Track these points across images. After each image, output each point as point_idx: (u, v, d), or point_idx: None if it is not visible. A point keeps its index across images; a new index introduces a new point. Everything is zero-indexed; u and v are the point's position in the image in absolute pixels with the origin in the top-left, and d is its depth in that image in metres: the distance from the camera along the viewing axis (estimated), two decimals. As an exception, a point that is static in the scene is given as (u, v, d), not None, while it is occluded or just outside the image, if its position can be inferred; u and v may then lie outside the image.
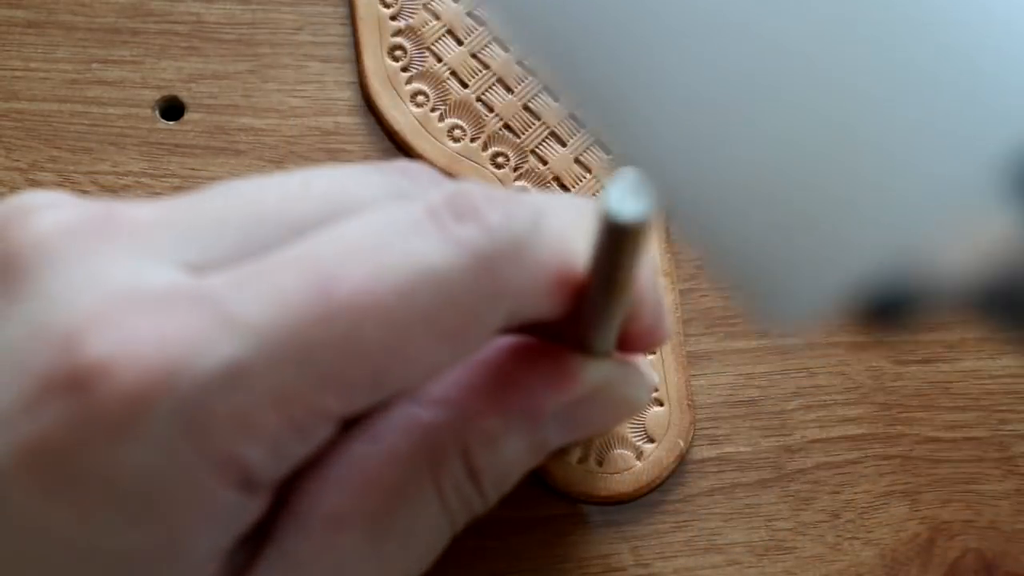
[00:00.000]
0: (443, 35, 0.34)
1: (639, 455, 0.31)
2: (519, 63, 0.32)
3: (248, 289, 0.19)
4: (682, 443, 0.31)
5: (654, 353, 0.32)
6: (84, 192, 0.32)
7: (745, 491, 0.31)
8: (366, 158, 0.33)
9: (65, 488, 0.19)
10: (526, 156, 0.33)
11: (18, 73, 0.33)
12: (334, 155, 0.33)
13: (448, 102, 0.34)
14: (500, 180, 0.33)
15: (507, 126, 0.33)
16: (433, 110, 0.34)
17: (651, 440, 0.31)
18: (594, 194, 0.33)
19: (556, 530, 0.30)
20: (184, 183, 0.33)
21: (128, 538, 0.20)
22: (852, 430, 0.32)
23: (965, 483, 0.32)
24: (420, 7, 0.34)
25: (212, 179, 0.33)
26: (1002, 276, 0.13)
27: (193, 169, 0.33)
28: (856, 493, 0.31)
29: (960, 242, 0.13)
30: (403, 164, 0.24)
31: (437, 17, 0.34)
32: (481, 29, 0.34)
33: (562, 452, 0.30)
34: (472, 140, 0.33)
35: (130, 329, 0.19)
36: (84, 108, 0.33)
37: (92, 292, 0.19)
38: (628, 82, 0.14)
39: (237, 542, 0.21)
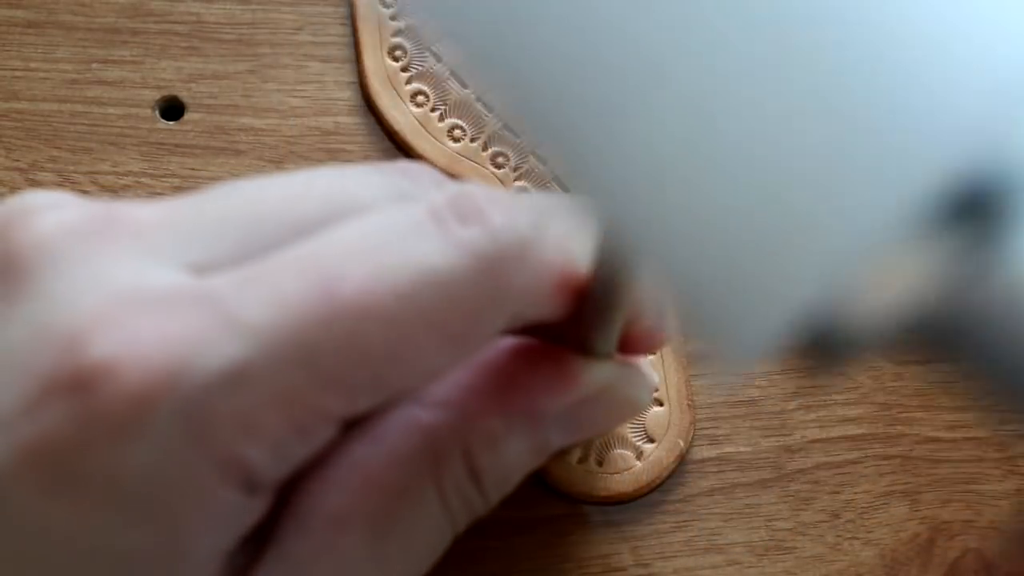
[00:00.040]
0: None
1: (639, 455, 0.31)
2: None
3: (250, 290, 0.19)
4: (682, 443, 0.31)
5: (654, 353, 0.32)
6: (84, 192, 0.32)
7: (745, 491, 0.31)
8: (366, 158, 0.33)
9: (67, 488, 0.19)
10: (526, 156, 0.33)
11: (18, 73, 0.33)
12: (334, 155, 0.33)
13: (448, 102, 0.34)
14: (500, 180, 0.33)
15: (507, 126, 0.33)
16: (433, 110, 0.34)
17: (651, 440, 0.31)
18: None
19: (556, 530, 0.30)
20: (184, 183, 0.33)
21: (130, 538, 0.20)
22: (852, 430, 0.32)
23: (965, 483, 0.32)
24: (420, 7, 0.34)
25: (212, 179, 0.33)
26: (931, 310, 0.13)
27: (193, 169, 0.33)
28: (856, 493, 0.31)
29: (888, 277, 0.13)
30: (404, 165, 0.24)
31: (437, 17, 0.34)
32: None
33: (562, 452, 0.30)
34: (472, 140, 0.33)
35: (133, 329, 0.19)
36: (84, 108, 0.33)
37: (95, 292, 0.19)
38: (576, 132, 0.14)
39: (238, 543, 0.21)
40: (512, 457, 0.23)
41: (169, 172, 0.33)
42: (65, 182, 0.32)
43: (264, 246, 0.20)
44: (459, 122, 0.33)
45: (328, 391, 0.20)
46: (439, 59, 0.34)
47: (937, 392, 0.33)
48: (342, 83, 0.34)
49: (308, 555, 0.21)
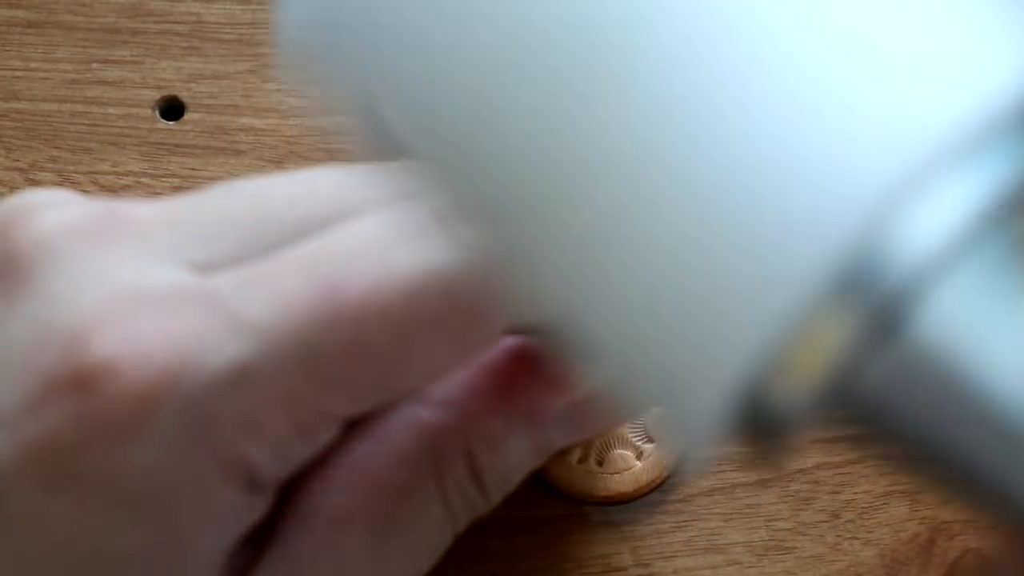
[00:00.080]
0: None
1: (639, 455, 0.31)
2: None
3: (253, 290, 0.19)
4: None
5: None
6: (84, 192, 0.32)
7: (745, 491, 0.31)
8: (367, 158, 0.33)
9: (69, 487, 0.19)
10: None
11: (18, 73, 0.33)
12: (335, 155, 0.33)
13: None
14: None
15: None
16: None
17: (651, 440, 0.31)
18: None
19: (556, 530, 0.30)
20: (184, 183, 0.33)
21: (131, 537, 0.20)
22: (852, 430, 0.32)
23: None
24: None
25: (212, 179, 0.33)
26: (847, 388, 0.13)
27: (193, 169, 0.33)
28: (856, 493, 0.31)
29: (799, 356, 0.13)
30: (408, 164, 0.24)
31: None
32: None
33: (562, 452, 0.30)
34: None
35: (135, 328, 0.19)
36: (84, 108, 0.33)
37: (97, 291, 0.19)
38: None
39: (239, 542, 0.21)
40: (513, 457, 0.23)
41: (169, 172, 0.33)
42: (65, 182, 0.32)
43: (266, 246, 0.20)
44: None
45: (330, 391, 0.20)
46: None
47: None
48: (342, 83, 0.34)
49: (309, 554, 0.21)
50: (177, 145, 0.33)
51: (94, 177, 0.32)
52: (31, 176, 0.32)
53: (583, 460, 0.31)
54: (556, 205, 0.14)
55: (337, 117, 0.17)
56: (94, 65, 0.33)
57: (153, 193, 0.32)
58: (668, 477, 0.31)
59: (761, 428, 0.14)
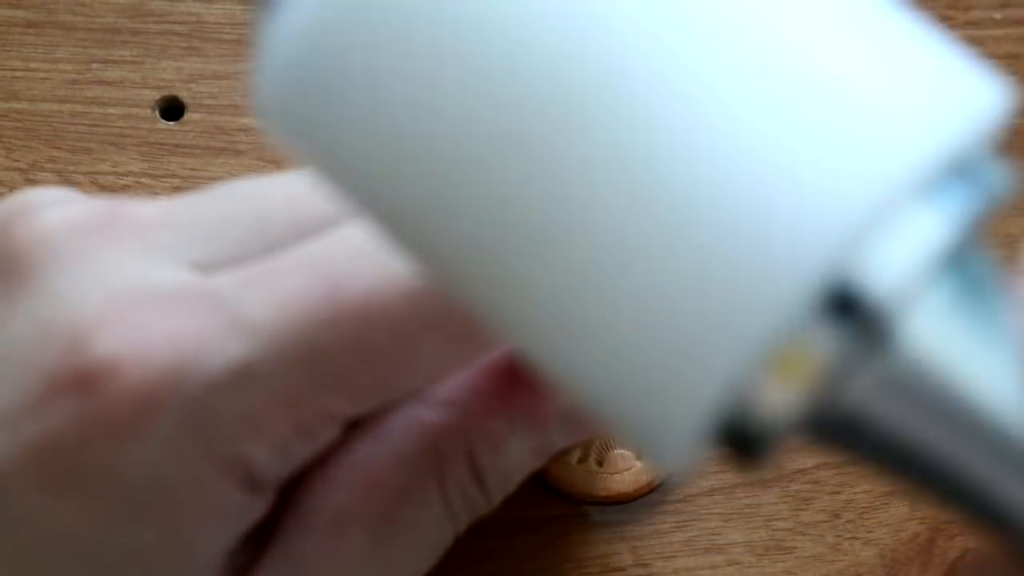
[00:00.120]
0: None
1: (639, 455, 0.31)
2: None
3: (255, 290, 0.19)
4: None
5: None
6: (84, 192, 0.32)
7: (745, 491, 0.31)
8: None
9: (71, 487, 0.19)
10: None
11: (18, 73, 0.33)
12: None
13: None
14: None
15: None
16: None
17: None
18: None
19: (556, 530, 0.30)
20: (184, 183, 0.33)
21: (133, 536, 0.20)
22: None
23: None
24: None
25: (212, 179, 0.33)
26: (826, 406, 0.14)
27: (193, 169, 0.33)
28: (856, 493, 0.31)
29: (783, 375, 0.14)
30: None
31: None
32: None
33: (562, 452, 0.30)
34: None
35: (137, 327, 0.19)
36: (84, 108, 0.33)
37: (98, 290, 0.19)
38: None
39: (241, 541, 0.21)
40: (515, 457, 0.23)
41: (169, 172, 0.33)
42: (65, 182, 0.32)
43: (268, 246, 0.20)
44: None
45: (332, 392, 0.20)
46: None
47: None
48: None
49: (310, 553, 0.21)
50: (177, 145, 0.33)
51: (94, 177, 0.32)
52: (31, 176, 0.32)
53: (583, 460, 0.31)
54: (528, 252, 0.14)
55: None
56: (94, 65, 0.33)
57: (153, 193, 0.32)
58: (668, 477, 0.31)
59: (740, 446, 0.14)
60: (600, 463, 0.31)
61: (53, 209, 0.20)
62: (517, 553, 0.30)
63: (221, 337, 0.19)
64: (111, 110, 0.33)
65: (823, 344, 0.13)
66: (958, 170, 0.14)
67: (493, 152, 0.14)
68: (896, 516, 0.31)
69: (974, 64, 0.15)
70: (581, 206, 0.14)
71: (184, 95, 0.34)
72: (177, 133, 0.33)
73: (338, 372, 0.19)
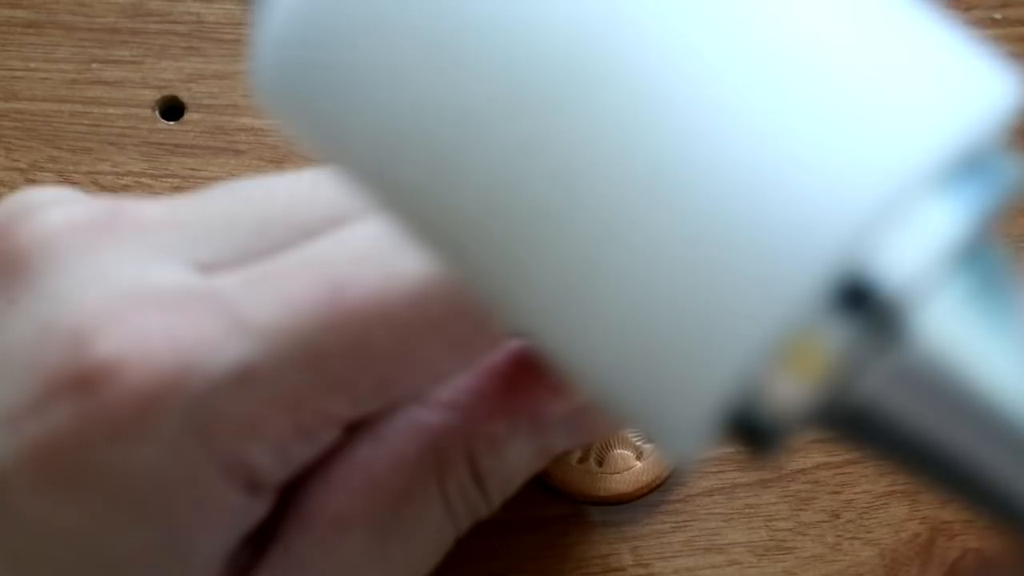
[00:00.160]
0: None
1: (639, 455, 0.31)
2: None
3: (258, 291, 0.19)
4: (682, 443, 0.31)
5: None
6: (84, 192, 0.32)
7: (745, 491, 0.31)
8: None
9: (71, 487, 0.19)
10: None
11: (18, 73, 0.33)
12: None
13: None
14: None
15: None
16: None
17: (651, 440, 0.31)
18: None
19: (556, 530, 0.30)
20: (184, 183, 0.33)
21: (132, 537, 0.20)
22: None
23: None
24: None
25: (212, 179, 0.33)
26: (838, 398, 0.14)
27: (193, 169, 0.33)
28: (856, 493, 0.31)
29: (796, 366, 0.13)
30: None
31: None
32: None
33: (563, 452, 0.30)
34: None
35: (138, 328, 0.19)
36: (84, 108, 0.33)
37: (100, 290, 0.19)
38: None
39: (241, 542, 0.21)
40: (516, 460, 0.23)
41: (169, 172, 0.33)
42: (65, 182, 0.32)
43: (271, 247, 0.20)
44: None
45: (333, 394, 0.20)
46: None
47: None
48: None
49: (311, 555, 0.21)
50: (177, 145, 0.33)
51: (94, 177, 0.32)
52: (31, 176, 0.32)
53: (583, 460, 0.31)
54: (537, 237, 0.14)
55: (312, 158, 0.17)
56: (94, 65, 0.33)
57: (153, 193, 0.32)
58: (668, 477, 0.31)
59: (750, 437, 0.14)
60: (600, 463, 0.31)
61: (54, 209, 0.20)
62: (517, 553, 0.30)
63: (222, 338, 0.19)
64: (111, 110, 0.33)
65: (835, 337, 0.13)
66: (972, 163, 0.14)
67: (498, 129, 0.14)
68: (896, 516, 0.31)
69: (989, 57, 0.14)
70: (590, 190, 0.14)
71: (184, 95, 0.33)
72: (177, 133, 0.33)
73: (339, 374, 0.19)
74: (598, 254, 0.14)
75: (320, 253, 0.20)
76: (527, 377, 0.23)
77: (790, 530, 0.31)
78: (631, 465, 0.31)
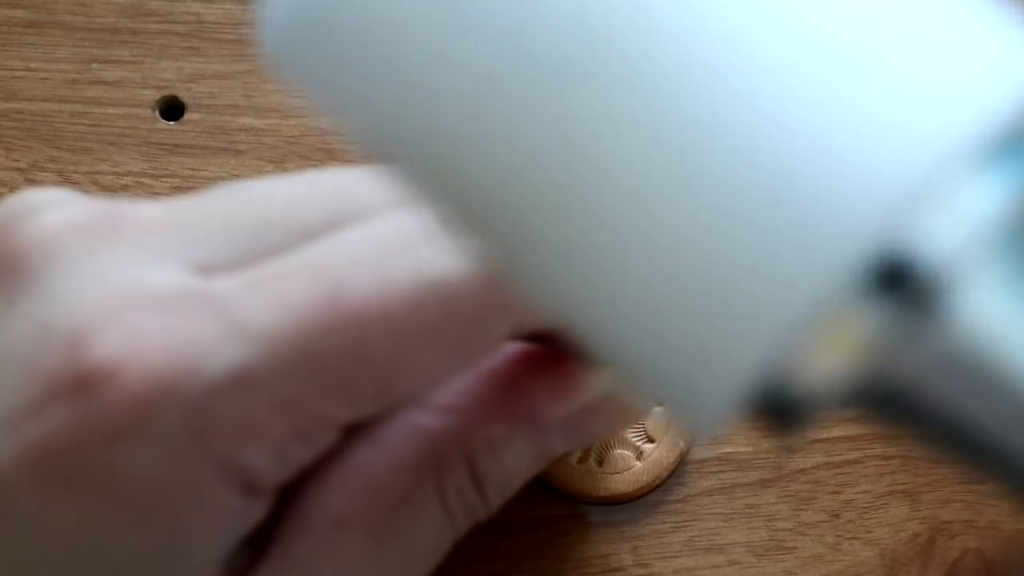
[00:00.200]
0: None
1: (639, 455, 0.31)
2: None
3: (256, 294, 0.19)
4: (682, 443, 0.31)
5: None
6: (84, 192, 0.32)
7: (745, 491, 0.31)
8: (367, 158, 0.33)
9: (68, 489, 0.19)
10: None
11: (18, 73, 0.33)
12: (334, 155, 0.33)
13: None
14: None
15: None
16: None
17: (651, 440, 0.31)
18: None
19: (556, 530, 0.30)
20: (184, 183, 0.33)
21: (131, 540, 0.20)
22: (852, 430, 0.32)
23: (965, 483, 0.32)
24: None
25: (212, 179, 0.33)
26: (868, 377, 0.14)
27: (193, 169, 0.33)
28: (856, 493, 0.31)
29: (826, 346, 0.13)
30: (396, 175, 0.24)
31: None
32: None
33: (562, 454, 0.30)
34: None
35: (136, 330, 0.19)
36: (84, 108, 0.33)
37: (98, 292, 0.19)
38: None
39: (239, 545, 0.21)
40: (514, 463, 0.23)
41: (169, 172, 0.33)
42: (65, 182, 0.32)
43: (269, 249, 0.20)
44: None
45: (331, 397, 0.20)
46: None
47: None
48: (342, 83, 0.34)
49: (309, 557, 0.21)
50: (177, 145, 0.33)
51: (94, 177, 0.32)
52: (31, 176, 0.32)
53: (583, 460, 0.31)
54: (571, 206, 0.14)
55: (325, 119, 0.17)
56: (94, 65, 0.33)
57: (153, 193, 0.32)
58: (668, 477, 0.31)
59: (778, 413, 0.14)
60: (600, 463, 0.31)
61: (53, 210, 0.20)
62: (517, 553, 0.30)
63: (220, 341, 0.19)
64: (111, 110, 0.33)
65: (873, 314, 0.13)
66: (1015, 142, 0.13)
67: (525, 89, 0.14)
68: (896, 516, 0.31)
69: None
70: (623, 154, 0.13)
71: (184, 95, 0.33)
72: (177, 133, 0.33)
73: (337, 377, 0.19)
74: (633, 220, 0.14)
75: (319, 256, 0.20)
76: (525, 380, 0.23)
77: (790, 530, 0.31)
78: (631, 465, 0.31)
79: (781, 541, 0.31)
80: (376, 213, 0.21)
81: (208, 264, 0.20)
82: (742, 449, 0.32)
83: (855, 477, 0.31)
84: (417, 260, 0.20)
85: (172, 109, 0.34)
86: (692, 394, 0.14)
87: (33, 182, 0.32)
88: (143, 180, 0.32)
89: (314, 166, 0.33)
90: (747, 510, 0.31)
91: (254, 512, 0.21)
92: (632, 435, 0.31)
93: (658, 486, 0.31)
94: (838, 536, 0.31)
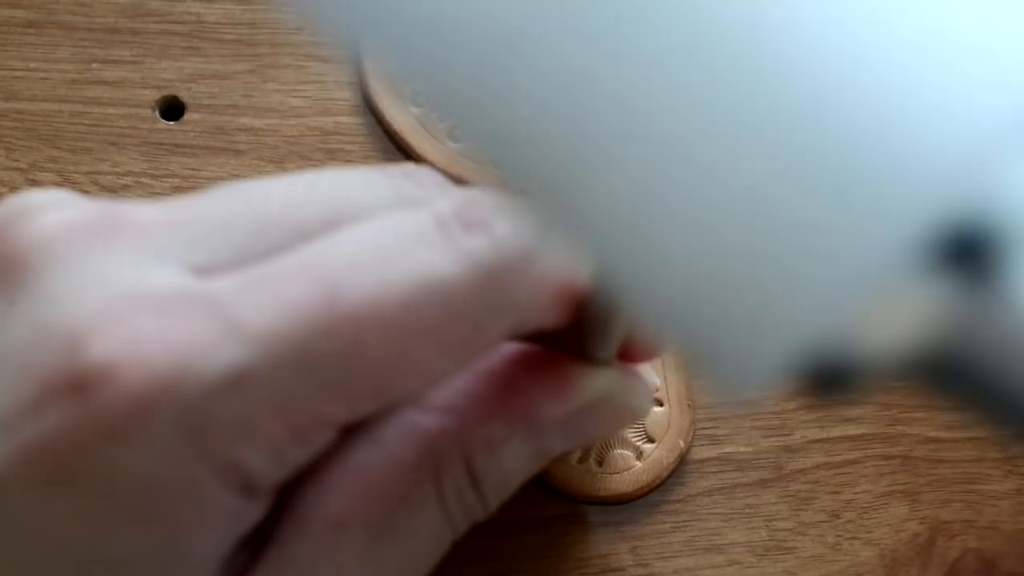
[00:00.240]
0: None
1: (639, 455, 0.31)
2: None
3: (253, 294, 0.19)
4: (682, 443, 0.31)
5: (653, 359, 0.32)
6: (84, 192, 0.32)
7: (745, 491, 0.31)
8: (366, 158, 0.33)
9: (66, 490, 0.19)
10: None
11: (18, 73, 0.33)
12: (334, 155, 0.33)
13: (448, 102, 0.34)
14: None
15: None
16: (433, 110, 0.34)
17: (651, 440, 0.31)
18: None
19: (556, 530, 0.30)
20: (184, 183, 0.33)
21: (128, 541, 0.20)
22: (852, 430, 0.32)
23: (965, 483, 0.32)
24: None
25: (212, 179, 0.33)
26: (934, 349, 0.13)
27: (193, 169, 0.33)
28: (856, 493, 0.31)
29: (889, 315, 0.13)
30: (409, 168, 0.24)
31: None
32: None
33: (560, 455, 0.30)
34: (472, 140, 0.33)
35: (134, 331, 0.19)
36: (84, 108, 0.33)
37: (95, 293, 0.19)
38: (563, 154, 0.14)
39: (237, 545, 0.21)
40: (512, 463, 0.23)
41: (169, 172, 0.33)
42: (65, 182, 0.32)
43: (267, 249, 0.20)
44: (459, 122, 0.33)
45: (328, 398, 0.20)
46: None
47: (937, 392, 0.33)
48: (342, 83, 0.34)
49: (308, 558, 0.21)
50: (177, 145, 0.33)
51: (94, 177, 0.32)
52: (31, 176, 0.32)
53: (583, 460, 0.31)
54: (637, 155, 0.14)
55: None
56: (94, 65, 0.33)
57: (153, 193, 0.32)
58: (668, 477, 0.31)
59: (830, 379, 0.14)
60: (600, 463, 0.31)
61: (52, 211, 0.20)
62: (517, 553, 0.30)
63: (217, 342, 0.19)
64: (111, 110, 0.33)
65: (940, 284, 0.13)
66: None
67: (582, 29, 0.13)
68: (896, 516, 0.31)
69: None
70: (694, 104, 0.13)
71: (184, 95, 0.34)
72: (177, 133, 0.33)
73: (334, 378, 0.19)
74: (689, 177, 0.13)
75: (316, 256, 0.20)
76: (523, 380, 0.23)
77: (790, 530, 0.31)
78: (631, 465, 0.31)
79: (781, 541, 0.31)
80: (374, 213, 0.21)
81: (206, 264, 0.20)
82: (742, 449, 0.32)
83: (855, 477, 0.31)
84: (415, 261, 0.20)
85: (172, 109, 0.34)
86: (746, 350, 0.14)
87: (33, 182, 0.32)
88: (143, 180, 0.32)
89: (314, 166, 0.33)
90: (747, 510, 0.31)
91: (252, 512, 0.21)
92: (632, 435, 0.31)
93: (658, 486, 0.31)
94: (838, 536, 0.31)
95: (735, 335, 0.14)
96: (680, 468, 0.31)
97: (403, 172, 0.23)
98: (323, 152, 0.33)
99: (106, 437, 0.18)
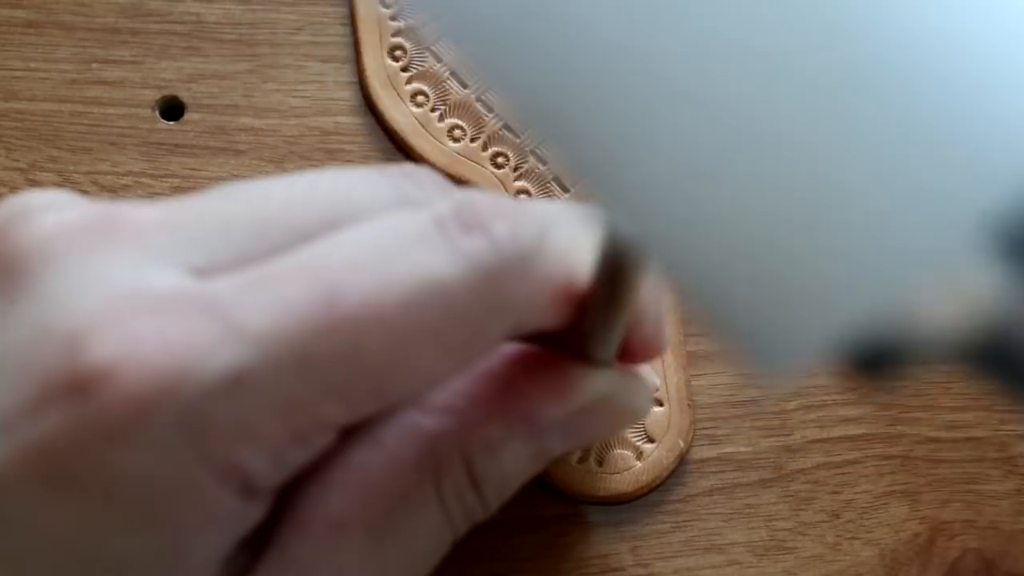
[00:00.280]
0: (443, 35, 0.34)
1: (639, 455, 0.31)
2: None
3: (253, 296, 0.19)
4: (682, 443, 0.31)
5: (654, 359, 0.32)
6: (84, 192, 0.32)
7: (745, 491, 0.31)
8: (366, 158, 0.33)
9: (66, 492, 0.19)
10: (526, 156, 0.33)
11: (18, 73, 0.33)
12: (334, 155, 0.33)
13: (448, 102, 0.34)
14: (500, 180, 0.33)
15: (507, 126, 0.33)
16: (433, 110, 0.33)
17: (651, 440, 0.31)
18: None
19: (556, 530, 0.30)
20: (184, 183, 0.33)
21: (128, 542, 0.20)
22: (852, 430, 0.32)
23: (965, 483, 0.32)
24: (420, 7, 0.34)
25: (212, 179, 0.33)
26: (989, 335, 0.13)
27: (193, 169, 0.33)
28: (856, 493, 0.31)
29: (946, 298, 0.13)
30: (409, 169, 0.24)
31: (437, 17, 0.34)
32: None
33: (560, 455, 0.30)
34: (472, 140, 0.33)
35: (133, 332, 0.19)
36: (84, 108, 0.33)
37: (95, 294, 0.19)
38: (613, 130, 0.14)
39: (237, 547, 0.21)
40: (512, 464, 0.23)
41: (169, 172, 0.33)
42: (65, 182, 0.32)
43: (266, 250, 0.20)
44: (459, 122, 0.33)
45: (328, 399, 0.20)
46: (439, 59, 0.34)
47: (937, 392, 0.33)
48: (342, 83, 0.34)
49: (308, 559, 0.21)
50: (177, 145, 0.33)
51: (94, 177, 0.32)
52: (31, 176, 0.32)
53: (583, 460, 0.31)
54: (694, 131, 0.13)
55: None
56: (94, 65, 0.33)
57: (153, 193, 0.32)
58: (668, 477, 0.31)
59: (877, 361, 0.14)
60: (600, 463, 0.31)
61: (51, 212, 0.20)
62: (517, 553, 0.30)
63: (216, 343, 0.19)
64: (111, 110, 0.33)
65: (997, 271, 0.13)
66: None
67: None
68: (896, 516, 0.31)
69: None
70: (765, 83, 0.13)
71: (184, 95, 0.33)
72: (177, 133, 0.33)
73: (334, 380, 0.19)
74: (766, 152, 0.13)
75: (316, 257, 0.20)
76: (522, 381, 0.23)
77: (790, 530, 0.31)
78: (631, 465, 0.31)
79: (781, 541, 0.31)
80: (374, 214, 0.21)
81: (206, 265, 0.20)
82: (742, 449, 0.32)
83: (855, 477, 0.31)
84: (414, 262, 0.20)
85: (172, 109, 0.34)
86: (797, 325, 0.14)
87: (33, 182, 0.32)
88: (143, 180, 0.32)
89: (314, 166, 0.33)
90: (747, 510, 0.31)
91: (252, 513, 0.21)
92: (632, 435, 0.31)
93: (658, 486, 0.31)
94: (838, 536, 0.31)
95: (786, 310, 0.14)
96: (680, 468, 0.31)
97: (403, 172, 0.23)
98: (323, 152, 0.33)
99: (106, 438, 0.18)
